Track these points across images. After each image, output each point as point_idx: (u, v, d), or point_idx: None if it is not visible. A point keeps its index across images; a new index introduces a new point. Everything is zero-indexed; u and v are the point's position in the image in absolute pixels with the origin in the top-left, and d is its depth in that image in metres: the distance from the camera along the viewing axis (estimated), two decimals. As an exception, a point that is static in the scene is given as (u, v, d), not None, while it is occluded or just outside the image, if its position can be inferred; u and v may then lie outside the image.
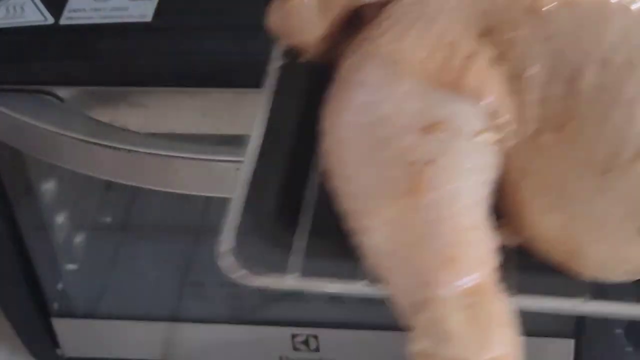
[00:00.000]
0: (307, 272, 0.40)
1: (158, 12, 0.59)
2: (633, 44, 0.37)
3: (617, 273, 0.39)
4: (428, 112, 0.38)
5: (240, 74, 0.59)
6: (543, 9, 0.38)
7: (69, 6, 0.60)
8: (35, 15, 0.60)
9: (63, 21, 0.60)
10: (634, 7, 0.37)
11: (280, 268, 0.40)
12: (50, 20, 0.60)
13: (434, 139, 0.38)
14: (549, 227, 0.40)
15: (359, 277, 0.39)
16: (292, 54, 0.45)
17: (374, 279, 0.38)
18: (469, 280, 0.36)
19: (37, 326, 0.76)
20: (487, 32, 0.39)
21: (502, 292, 0.37)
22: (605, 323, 0.69)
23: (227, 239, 0.40)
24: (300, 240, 0.41)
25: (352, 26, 0.42)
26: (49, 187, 0.74)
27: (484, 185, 0.38)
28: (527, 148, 0.39)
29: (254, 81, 0.62)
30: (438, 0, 0.39)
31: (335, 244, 0.39)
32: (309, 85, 0.44)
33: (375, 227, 0.38)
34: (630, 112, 0.37)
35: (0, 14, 0.61)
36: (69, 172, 0.77)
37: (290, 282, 0.40)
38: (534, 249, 0.40)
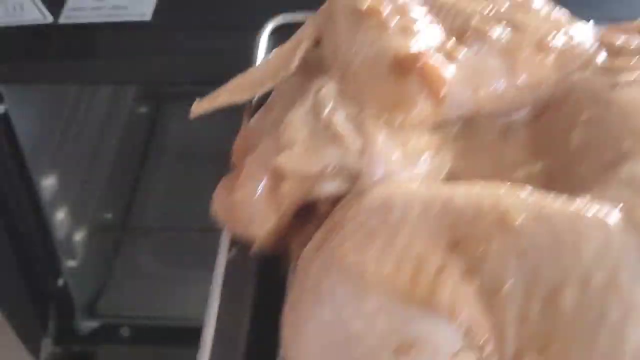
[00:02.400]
0: None
1: (157, 11, 0.59)
2: (612, 261, 0.36)
3: None
4: (400, 331, 0.36)
5: (238, 73, 0.59)
6: (515, 223, 0.36)
7: (69, 5, 0.60)
8: (35, 14, 0.60)
9: (62, 20, 0.60)
10: (610, 221, 0.36)
11: None
12: (50, 19, 0.60)
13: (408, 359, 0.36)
14: None
15: None
16: (240, 243, 0.44)
17: None
18: None
19: (36, 323, 0.76)
20: (456, 245, 0.37)
21: None
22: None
23: None
24: None
25: (303, 217, 0.42)
26: (49, 183, 0.74)
27: None
28: None
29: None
30: (401, 208, 0.38)
31: None
32: (260, 280, 0.43)
33: None
34: (619, 334, 0.35)
35: (-1, 13, 0.61)
36: (70, 168, 0.77)
37: None
38: None
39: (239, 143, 0.46)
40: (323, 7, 0.48)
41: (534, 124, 0.45)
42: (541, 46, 0.44)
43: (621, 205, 0.36)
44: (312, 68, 0.46)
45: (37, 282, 0.74)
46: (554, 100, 0.45)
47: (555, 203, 0.37)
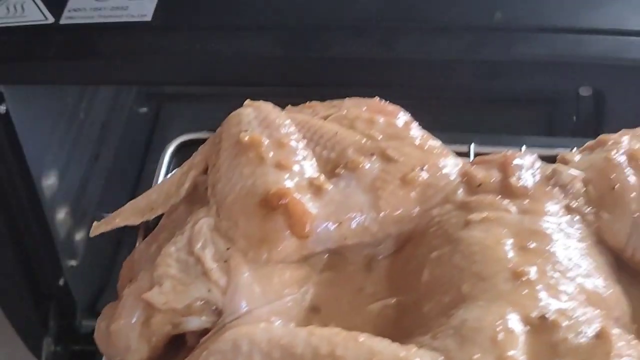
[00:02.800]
0: None
1: (157, 12, 0.59)
2: None
3: None
4: None
5: (239, 73, 0.60)
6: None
7: (69, 5, 0.60)
8: (36, 15, 0.60)
9: (63, 20, 0.60)
10: None
11: None
12: (51, 19, 0.60)
13: None
14: None
15: None
16: None
17: None
18: None
19: (37, 322, 0.76)
20: None
21: None
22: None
23: None
24: None
25: (176, 347, 0.45)
26: (49, 183, 0.74)
27: None
28: None
29: (253, 80, 0.62)
30: (246, 354, 0.41)
31: None
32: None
33: None
34: None
35: (0, 13, 0.61)
36: (70, 168, 0.77)
37: None
38: None
39: (124, 272, 0.48)
40: (213, 135, 0.50)
41: (395, 256, 0.47)
42: (406, 180, 0.46)
43: (442, 358, 0.38)
44: (199, 196, 0.48)
45: (38, 281, 0.74)
46: (415, 233, 0.47)
47: (387, 351, 0.39)
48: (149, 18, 0.59)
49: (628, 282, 0.45)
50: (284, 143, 0.48)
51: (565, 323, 0.40)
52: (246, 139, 0.47)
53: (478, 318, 0.40)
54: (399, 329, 0.43)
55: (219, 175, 0.47)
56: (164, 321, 0.44)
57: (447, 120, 0.89)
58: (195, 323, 0.44)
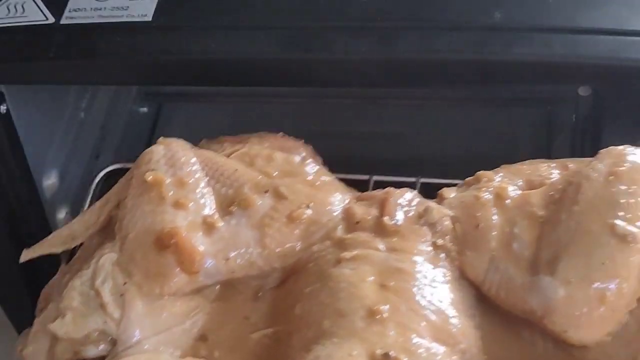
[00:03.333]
0: None
1: (158, 11, 0.59)
2: None
3: None
4: None
5: (239, 73, 0.60)
6: None
7: (70, 5, 0.61)
8: (36, 15, 0.60)
9: (64, 20, 0.60)
10: None
11: None
12: (51, 19, 0.60)
13: None
14: None
15: None
16: None
17: None
18: None
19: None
20: None
21: None
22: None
23: None
24: None
25: None
26: (50, 183, 0.74)
27: None
28: None
29: (253, 80, 0.63)
30: None
31: None
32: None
33: None
34: None
35: (1, 14, 0.61)
36: (70, 168, 0.77)
37: None
38: None
39: (41, 299, 0.53)
40: (129, 170, 0.54)
41: (279, 288, 0.51)
42: (292, 217, 0.51)
43: None
44: (112, 229, 0.52)
45: (38, 281, 0.74)
46: (298, 267, 0.51)
47: None
48: (149, 18, 0.59)
49: (484, 314, 0.49)
50: (185, 182, 0.52)
51: (405, 359, 0.44)
52: (149, 178, 0.51)
53: (329, 355, 0.44)
54: (273, 358, 0.47)
55: (125, 212, 0.52)
56: (66, 349, 0.49)
57: (447, 120, 0.89)
58: (92, 351, 0.49)
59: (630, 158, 0.51)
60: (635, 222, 0.47)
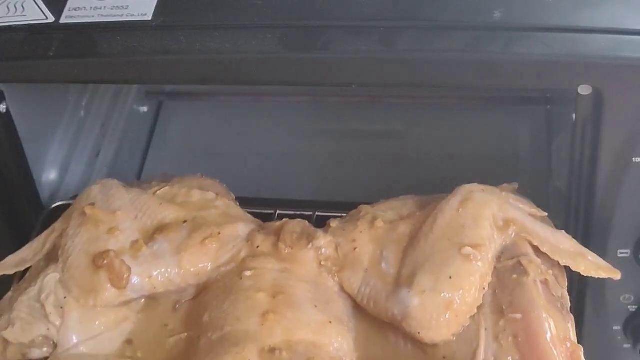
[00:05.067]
0: None
1: (158, 11, 0.59)
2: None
3: None
4: None
5: (240, 72, 0.60)
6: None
7: (70, 5, 0.61)
8: (36, 14, 0.60)
9: (63, 20, 0.60)
10: None
11: None
12: (51, 18, 0.60)
13: None
14: None
15: None
16: None
17: None
18: None
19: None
20: None
21: None
22: (603, 320, 0.69)
23: None
24: None
25: None
26: (50, 182, 0.74)
27: None
28: None
29: (253, 79, 0.63)
30: None
31: None
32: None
33: None
34: None
35: (1, 13, 0.61)
36: (70, 167, 0.77)
37: None
38: None
39: (3, 303, 0.62)
40: (71, 206, 0.65)
41: (194, 300, 0.62)
42: (204, 244, 0.62)
43: None
44: (56, 255, 0.62)
45: None
46: (209, 283, 0.62)
47: None
48: (149, 17, 0.59)
49: (358, 320, 0.61)
50: (117, 214, 0.63)
51: (284, 353, 0.55)
52: (88, 211, 0.62)
53: (227, 351, 0.55)
54: (186, 358, 0.58)
55: (67, 239, 0.62)
56: (16, 352, 0.59)
57: (446, 119, 0.89)
58: (37, 353, 0.59)
59: (476, 195, 0.61)
60: (476, 245, 0.58)
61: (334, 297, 0.61)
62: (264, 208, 0.71)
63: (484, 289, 0.59)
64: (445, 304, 0.57)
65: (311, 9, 0.58)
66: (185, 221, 0.63)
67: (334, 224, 0.64)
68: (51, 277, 0.62)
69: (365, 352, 0.59)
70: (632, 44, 0.54)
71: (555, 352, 0.55)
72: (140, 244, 0.61)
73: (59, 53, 0.59)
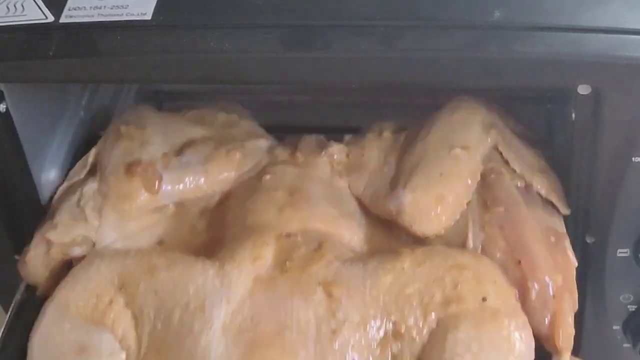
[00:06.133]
0: None
1: (158, 10, 0.59)
2: (204, 294, 0.59)
3: None
4: (81, 340, 0.60)
5: (240, 71, 0.60)
6: (157, 273, 0.61)
7: (69, 4, 0.61)
8: (36, 14, 0.60)
9: (63, 19, 0.60)
10: (209, 272, 0.60)
11: None
12: (51, 18, 0.60)
13: (83, 357, 0.59)
14: None
15: None
16: (30, 288, 0.68)
17: None
18: None
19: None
20: (122, 286, 0.61)
21: None
22: (603, 319, 0.69)
23: None
24: None
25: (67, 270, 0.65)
26: (50, 181, 0.74)
27: None
28: None
29: (253, 78, 0.63)
30: (96, 266, 0.63)
31: None
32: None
33: None
34: (195, 339, 0.58)
35: (0, 12, 0.61)
36: (71, 167, 0.77)
37: None
38: None
39: (48, 215, 0.69)
40: (109, 127, 0.74)
41: (219, 205, 0.69)
42: (229, 154, 0.70)
43: (217, 263, 0.61)
44: (95, 171, 0.71)
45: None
46: (232, 190, 0.70)
47: (185, 260, 0.62)
48: (149, 17, 0.59)
49: (365, 218, 0.68)
50: (149, 131, 0.71)
51: (299, 237, 0.62)
52: (122, 129, 0.70)
53: (248, 237, 0.62)
54: (212, 253, 0.63)
55: (104, 154, 0.71)
56: (58, 251, 0.66)
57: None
58: (77, 251, 0.66)
59: (466, 102, 0.70)
60: (465, 146, 0.66)
61: (345, 196, 0.69)
62: (284, 134, 0.77)
63: (472, 186, 0.65)
64: (435, 200, 0.64)
65: (311, 9, 0.58)
66: (211, 138, 0.71)
67: (347, 137, 0.73)
68: (90, 186, 0.69)
69: (372, 246, 0.65)
70: (631, 43, 0.54)
71: (538, 242, 0.62)
72: (170, 156, 0.69)
73: (58, 53, 0.59)
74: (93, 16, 0.59)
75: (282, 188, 0.67)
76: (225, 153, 0.70)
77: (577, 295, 0.62)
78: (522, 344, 0.57)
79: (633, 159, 0.59)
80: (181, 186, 0.68)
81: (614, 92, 0.56)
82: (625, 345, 0.70)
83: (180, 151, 0.70)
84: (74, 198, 0.69)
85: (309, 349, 0.57)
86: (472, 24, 0.55)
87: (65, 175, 0.75)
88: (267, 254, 0.61)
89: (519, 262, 0.61)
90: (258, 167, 0.70)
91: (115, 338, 0.60)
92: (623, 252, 0.65)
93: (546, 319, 0.59)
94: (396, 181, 0.66)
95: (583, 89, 0.57)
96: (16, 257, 0.70)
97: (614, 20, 0.55)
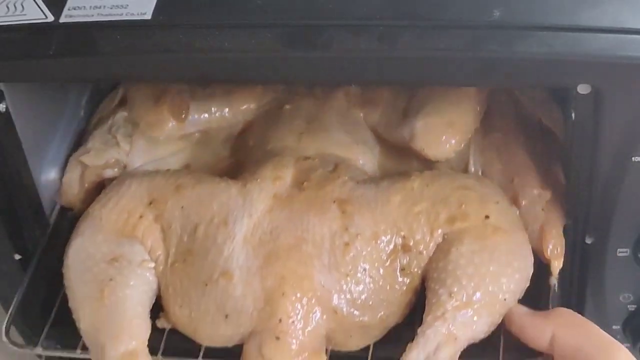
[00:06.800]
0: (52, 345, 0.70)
1: (157, 10, 0.59)
2: (227, 209, 0.65)
3: (219, 342, 0.65)
4: (114, 250, 0.66)
5: (240, 71, 0.60)
6: (184, 191, 0.67)
7: (69, 4, 0.61)
8: (36, 13, 0.60)
9: (63, 19, 0.60)
10: (233, 188, 0.67)
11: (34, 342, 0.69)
12: (51, 18, 0.60)
13: (115, 266, 0.65)
14: (181, 317, 0.65)
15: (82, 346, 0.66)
16: (64, 211, 0.75)
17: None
18: (127, 347, 0.61)
19: (37, 322, 0.76)
20: (151, 203, 0.67)
21: (149, 354, 0.63)
22: (603, 319, 0.69)
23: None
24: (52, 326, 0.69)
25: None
26: (50, 181, 0.74)
27: (146, 293, 0.65)
28: (169, 271, 0.66)
29: (253, 77, 0.63)
30: (127, 184, 0.69)
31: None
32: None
33: (81, 317, 0.65)
34: (218, 250, 0.63)
35: (0, 12, 0.61)
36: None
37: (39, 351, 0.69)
38: (178, 328, 0.66)
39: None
40: None
41: (242, 133, 0.76)
42: (250, 89, 0.76)
43: (240, 182, 0.67)
44: (124, 103, 0.78)
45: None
46: (255, 120, 0.76)
47: (211, 180, 0.68)
48: (148, 16, 0.59)
49: (380, 146, 0.73)
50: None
51: (316, 160, 0.68)
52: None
53: (269, 160, 0.68)
54: (235, 176, 0.69)
55: (133, 87, 0.77)
56: (92, 173, 0.73)
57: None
58: (109, 173, 0.73)
59: None
60: None
61: (360, 126, 0.73)
62: None
63: (480, 113, 0.71)
64: (446, 125, 0.69)
65: (311, 8, 0.58)
66: None
67: None
68: (121, 115, 0.76)
69: (384, 172, 0.71)
70: (631, 43, 0.54)
71: (530, 162, 0.68)
72: (196, 88, 0.74)
73: (58, 52, 0.59)
74: (93, 16, 0.59)
75: (301, 117, 0.73)
76: (246, 89, 0.75)
77: (565, 210, 0.65)
78: (521, 258, 0.63)
79: (633, 158, 0.59)
80: (207, 115, 0.74)
81: (613, 92, 0.56)
82: (625, 345, 0.70)
83: (205, 84, 0.75)
84: (106, 126, 0.75)
85: (323, 260, 0.62)
86: (472, 24, 0.55)
87: (64, 174, 0.76)
88: (286, 174, 0.66)
89: (512, 180, 0.67)
90: (278, 99, 0.75)
91: (145, 249, 0.66)
92: (623, 252, 0.65)
93: (537, 232, 0.65)
94: (409, 110, 0.71)
95: (583, 89, 0.57)
96: (16, 256, 0.71)
97: (613, 20, 0.55)
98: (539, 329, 0.60)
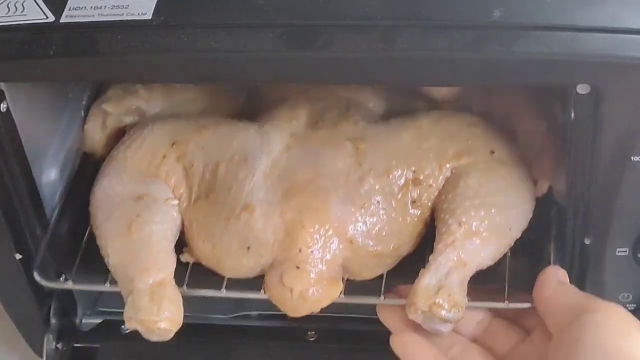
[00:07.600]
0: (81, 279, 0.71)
1: (158, 10, 0.59)
2: (247, 149, 0.69)
3: (241, 273, 0.68)
4: (139, 189, 0.69)
5: (240, 71, 0.60)
6: (205, 131, 0.71)
7: (70, 4, 0.61)
8: (36, 13, 0.60)
9: (64, 19, 0.60)
10: (251, 130, 0.71)
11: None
12: (51, 18, 0.60)
13: (141, 203, 0.68)
14: (204, 251, 0.68)
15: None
16: (86, 156, 0.79)
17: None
18: (155, 278, 0.64)
19: (38, 319, 0.76)
20: (174, 143, 0.71)
21: (176, 285, 0.65)
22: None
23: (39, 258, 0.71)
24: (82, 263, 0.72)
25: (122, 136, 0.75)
26: (50, 181, 0.74)
27: (170, 229, 0.68)
28: (192, 207, 0.69)
29: (254, 77, 0.63)
30: (150, 127, 0.73)
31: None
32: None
33: (110, 253, 0.67)
34: (240, 186, 0.67)
35: (1, 12, 0.61)
36: (71, 166, 0.78)
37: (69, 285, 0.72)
38: (201, 262, 0.69)
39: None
40: None
41: (255, 89, 0.78)
42: None
43: (257, 123, 0.72)
44: None
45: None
46: None
47: (230, 122, 0.72)
48: (149, 16, 0.59)
49: (390, 91, 0.76)
50: None
51: (329, 102, 0.72)
52: None
53: (285, 102, 0.73)
54: (252, 119, 0.74)
55: None
56: (113, 119, 0.76)
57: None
58: (130, 119, 0.76)
59: None
60: None
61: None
62: None
63: None
64: None
65: (312, 8, 0.58)
66: None
67: None
68: None
69: (393, 113, 0.73)
70: (630, 42, 0.54)
71: (526, 101, 0.71)
72: None
73: (59, 52, 0.59)
74: (93, 16, 0.60)
75: None
76: None
77: (560, 143, 0.67)
78: (525, 190, 0.68)
79: (632, 158, 0.59)
80: None
81: (613, 92, 0.56)
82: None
83: None
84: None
85: (339, 193, 0.66)
86: (472, 24, 0.56)
87: (65, 175, 0.76)
88: (302, 115, 0.70)
89: (511, 117, 0.71)
90: None
91: (168, 188, 0.69)
92: (622, 251, 0.65)
93: (533, 162, 0.69)
94: None
95: (582, 89, 0.57)
96: (16, 256, 0.71)
97: (613, 20, 0.55)
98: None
